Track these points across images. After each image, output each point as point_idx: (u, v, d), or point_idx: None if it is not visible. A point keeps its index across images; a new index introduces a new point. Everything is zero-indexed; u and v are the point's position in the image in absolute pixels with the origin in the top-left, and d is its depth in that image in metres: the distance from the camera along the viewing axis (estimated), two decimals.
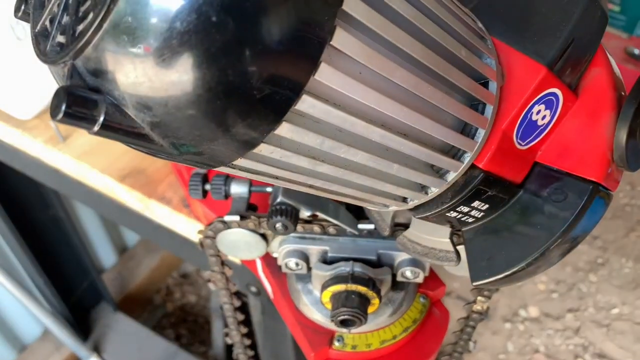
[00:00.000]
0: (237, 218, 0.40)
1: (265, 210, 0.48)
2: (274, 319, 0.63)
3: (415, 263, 0.39)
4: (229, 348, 1.44)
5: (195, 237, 0.60)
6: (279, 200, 0.37)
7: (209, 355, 1.54)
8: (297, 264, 0.40)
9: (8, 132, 0.72)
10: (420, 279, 0.39)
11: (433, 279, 0.43)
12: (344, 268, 0.37)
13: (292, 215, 0.36)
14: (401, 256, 0.39)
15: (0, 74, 0.66)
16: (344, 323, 0.36)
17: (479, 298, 0.45)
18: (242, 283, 0.57)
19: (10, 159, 0.78)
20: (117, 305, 1.43)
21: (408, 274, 0.39)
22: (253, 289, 0.60)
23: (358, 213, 0.42)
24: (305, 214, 0.38)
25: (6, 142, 0.74)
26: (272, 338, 0.65)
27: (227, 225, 0.41)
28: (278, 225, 0.36)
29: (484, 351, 1.70)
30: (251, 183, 0.45)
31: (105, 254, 1.55)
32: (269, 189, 0.45)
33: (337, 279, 0.37)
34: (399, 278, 0.40)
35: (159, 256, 1.62)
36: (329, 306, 0.38)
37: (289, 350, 0.65)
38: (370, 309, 0.37)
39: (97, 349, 1.34)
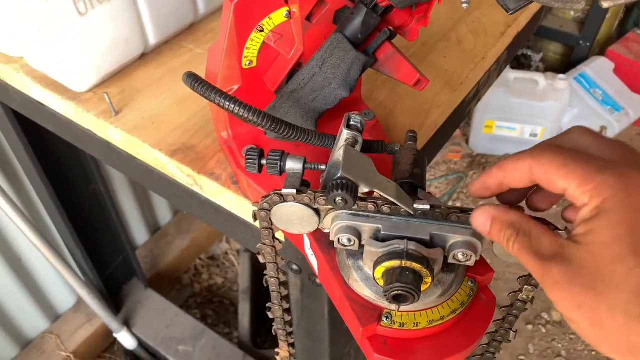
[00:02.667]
0: (293, 192, 0.41)
1: (316, 188, 0.49)
2: (311, 298, 0.64)
3: (468, 246, 0.39)
4: (254, 330, 1.47)
5: (242, 213, 0.62)
6: (339, 175, 0.38)
7: (233, 337, 1.56)
8: (349, 240, 0.41)
9: (62, 104, 0.74)
10: (471, 262, 0.40)
11: (482, 265, 0.43)
12: (399, 245, 0.38)
13: (352, 190, 0.37)
14: (454, 238, 0.39)
15: (58, 47, 0.69)
16: (396, 298, 0.37)
17: (526, 287, 0.45)
18: (284, 260, 0.58)
19: (62, 130, 0.81)
20: (148, 282, 1.47)
21: (460, 256, 0.40)
22: (294, 267, 0.61)
23: (413, 194, 0.43)
24: (363, 190, 0.39)
25: (60, 113, 0.76)
26: (308, 317, 0.66)
27: (283, 199, 0.42)
28: (338, 199, 0.37)
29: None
30: (305, 160, 0.46)
31: (138, 232, 1.59)
32: (322, 167, 0.46)
33: (391, 255, 0.37)
34: (450, 260, 0.40)
35: (190, 237, 1.65)
36: (381, 282, 0.39)
37: (324, 330, 0.66)
38: (421, 288, 0.38)
39: (127, 323, 1.38)
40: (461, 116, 0.81)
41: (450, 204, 2.04)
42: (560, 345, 1.68)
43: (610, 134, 2.17)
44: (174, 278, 1.68)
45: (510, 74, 2.02)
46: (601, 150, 0.34)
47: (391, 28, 0.53)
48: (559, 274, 0.31)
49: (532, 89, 2.02)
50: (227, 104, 0.40)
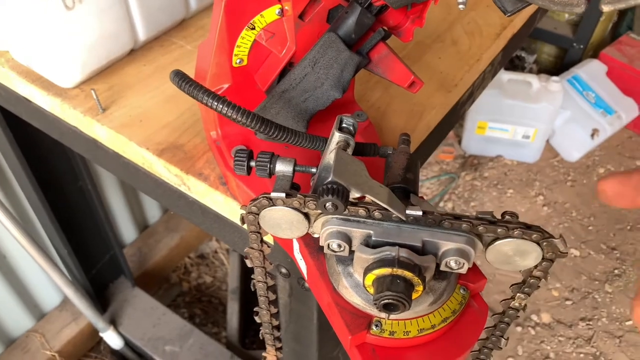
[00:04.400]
0: (282, 195, 0.40)
1: (307, 190, 0.48)
2: (300, 302, 0.63)
3: (460, 253, 0.38)
4: (242, 331, 1.46)
5: (230, 215, 0.60)
6: (330, 179, 0.37)
7: (222, 336, 1.55)
8: (339, 246, 0.40)
9: (48, 100, 0.72)
10: (464, 270, 0.39)
11: (474, 272, 0.42)
12: (390, 252, 0.37)
13: (342, 195, 0.36)
14: (447, 245, 0.38)
15: (45, 41, 0.67)
16: (387, 307, 0.36)
17: (519, 294, 0.44)
18: (272, 264, 0.57)
19: (48, 127, 0.79)
20: (135, 281, 1.45)
21: (452, 264, 0.39)
22: (283, 270, 0.60)
23: (405, 199, 0.42)
24: (354, 195, 0.37)
25: (46, 109, 0.75)
26: (297, 321, 0.65)
27: (271, 202, 0.41)
28: (328, 204, 0.36)
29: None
30: (295, 162, 0.45)
31: (126, 230, 1.57)
32: (313, 170, 0.45)
33: (382, 263, 0.36)
34: (443, 268, 0.39)
35: (179, 236, 1.64)
36: (371, 290, 0.38)
37: (312, 334, 0.65)
38: (412, 296, 0.37)
39: (113, 322, 1.36)
40: (455, 118, 0.80)
41: (441, 204, 2.04)
42: (549, 348, 1.69)
43: (602, 137, 2.18)
44: (162, 277, 1.67)
45: (503, 75, 2.02)
46: None
47: (385, 28, 0.52)
48: None
49: (525, 91, 2.02)
50: (215, 104, 0.39)
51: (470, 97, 0.82)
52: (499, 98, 2.01)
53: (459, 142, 2.26)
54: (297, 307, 0.63)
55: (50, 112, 0.74)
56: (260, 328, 0.56)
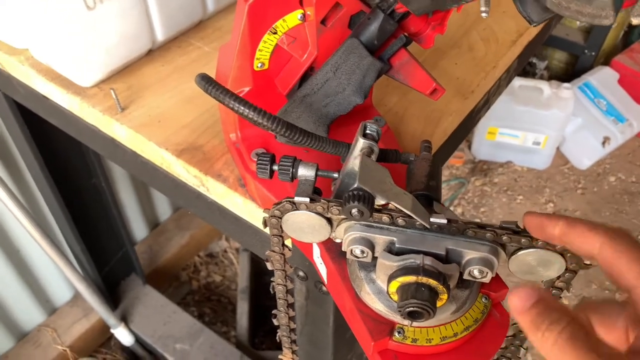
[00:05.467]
0: (306, 200, 0.40)
1: (327, 195, 0.48)
2: (316, 305, 0.63)
3: (484, 262, 0.38)
4: (252, 331, 1.46)
5: (248, 217, 0.61)
6: (356, 185, 0.37)
7: (230, 336, 1.56)
8: (362, 252, 0.40)
9: (66, 99, 0.73)
10: (487, 279, 0.39)
11: (496, 281, 0.42)
12: (414, 260, 0.37)
13: (368, 202, 0.36)
14: (470, 254, 0.39)
15: (65, 40, 0.68)
16: (411, 315, 0.36)
17: None
18: (292, 267, 0.57)
19: (66, 124, 0.80)
20: (146, 278, 1.46)
21: (476, 272, 0.39)
22: (301, 273, 0.60)
23: (429, 207, 0.42)
24: (379, 202, 0.38)
25: (64, 107, 0.75)
26: (313, 324, 0.65)
27: (295, 206, 0.41)
28: (354, 210, 0.36)
29: None
30: (318, 167, 0.45)
31: (137, 227, 1.58)
32: (335, 175, 0.45)
33: (406, 270, 0.36)
34: (466, 276, 0.39)
35: (189, 234, 1.64)
36: (395, 297, 0.38)
37: (328, 337, 0.65)
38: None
39: (124, 319, 1.37)
40: (471, 124, 0.80)
41: (451, 209, 2.03)
42: None
43: (613, 144, 2.17)
44: (172, 275, 1.67)
45: (514, 81, 2.02)
46: None
47: (407, 34, 0.52)
48: None
49: (536, 97, 2.01)
50: (242, 108, 0.39)
51: (486, 103, 0.82)
52: (510, 104, 2.00)
53: (469, 147, 2.25)
54: (314, 310, 0.63)
55: (68, 110, 0.75)
56: (277, 330, 0.56)
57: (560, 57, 2.45)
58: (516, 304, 0.30)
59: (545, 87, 2.00)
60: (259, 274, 1.58)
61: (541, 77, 2.45)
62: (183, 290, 1.66)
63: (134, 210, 1.53)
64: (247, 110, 0.39)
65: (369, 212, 0.36)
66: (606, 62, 2.33)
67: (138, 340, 1.39)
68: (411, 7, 0.46)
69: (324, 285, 0.59)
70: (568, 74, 2.43)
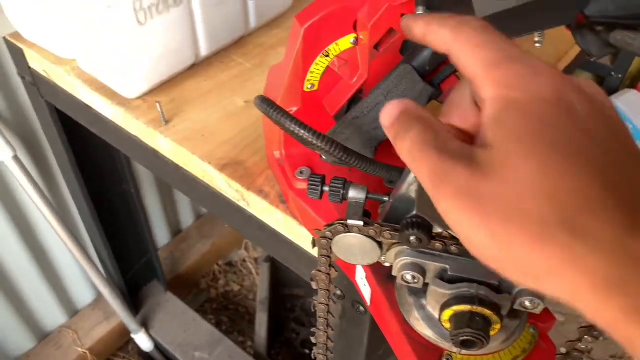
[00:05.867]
0: (360, 224, 0.41)
1: (374, 218, 0.48)
2: (351, 325, 0.64)
3: (535, 294, 0.39)
4: (271, 342, 1.46)
5: (288, 233, 0.61)
6: (414, 213, 0.38)
7: (247, 346, 1.56)
8: (413, 278, 0.40)
9: (111, 109, 0.75)
10: (538, 310, 0.39)
11: (544, 311, 0.42)
12: (469, 289, 0.37)
13: (427, 229, 0.37)
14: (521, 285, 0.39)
15: (114, 53, 0.69)
16: (464, 344, 0.36)
17: (586, 337, 0.44)
18: (337, 287, 0.58)
19: (107, 134, 0.81)
20: (167, 284, 1.47)
21: (527, 303, 0.39)
22: (338, 292, 0.61)
23: None
24: (436, 230, 0.38)
25: (107, 117, 0.77)
26: (346, 343, 0.66)
27: (347, 229, 0.42)
28: (412, 238, 0.37)
29: None
30: (368, 190, 0.45)
31: (160, 233, 1.59)
32: (385, 198, 0.46)
33: (461, 299, 0.37)
34: (516, 306, 0.39)
35: (211, 242, 1.65)
36: (447, 324, 0.38)
37: (360, 356, 0.65)
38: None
39: (145, 325, 1.38)
40: None
41: None
42: None
43: None
44: (193, 282, 1.68)
45: None
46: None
47: None
48: (464, 177, 0.24)
49: None
50: (304, 133, 0.40)
51: None
52: None
53: None
54: (348, 329, 0.63)
55: (111, 120, 0.77)
56: (314, 348, 0.57)
57: (586, 78, 2.43)
58: (384, 120, 0.29)
59: None
60: (277, 285, 1.58)
61: None
62: (201, 298, 1.67)
63: (158, 216, 1.54)
64: (308, 134, 0.40)
65: (428, 240, 0.37)
66: (632, 84, 2.31)
67: (157, 346, 1.39)
68: None
69: (362, 306, 0.59)
70: None
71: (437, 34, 0.29)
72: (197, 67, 0.80)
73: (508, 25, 0.40)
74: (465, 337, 0.36)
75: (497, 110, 0.25)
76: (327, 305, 0.50)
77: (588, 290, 0.22)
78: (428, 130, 0.27)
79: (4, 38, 0.84)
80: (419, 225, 0.36)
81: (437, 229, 0.38)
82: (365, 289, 0.49)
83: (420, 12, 0.44)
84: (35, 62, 0.82)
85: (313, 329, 0.54)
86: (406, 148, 0.27)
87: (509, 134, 0.24)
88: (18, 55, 0.84)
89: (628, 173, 0.23)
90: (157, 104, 0.69)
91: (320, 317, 0.52)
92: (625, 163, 0.23)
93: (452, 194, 0.24)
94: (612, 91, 2.30)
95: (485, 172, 0.24)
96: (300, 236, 0.60)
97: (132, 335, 1.36)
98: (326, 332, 0.53)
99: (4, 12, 0.80)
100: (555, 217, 0.22)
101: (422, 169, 0.26)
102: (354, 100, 0.54)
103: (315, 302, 0.51)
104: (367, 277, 0.47)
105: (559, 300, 0.23)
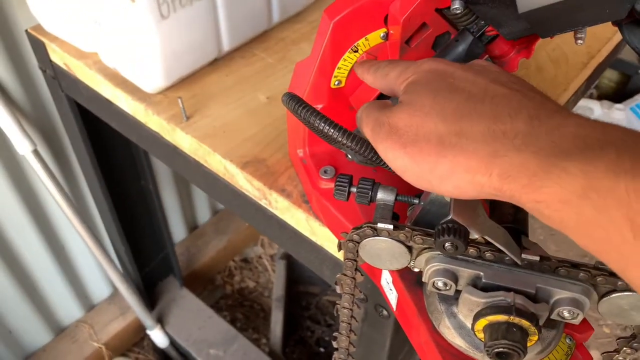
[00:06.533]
0: (390, 227, 0.39)
1: (402, 220, 0.47)
2: (373, 329, 0.62)
3: (575, 303, 0.37)
4: (285, 341, 1.45)
5: (309, 233, 0.60)
6: (449, 218, 0.36)
7: (261, 343, 1.55)
8: (445, 284, 0.38)
9: (131, 104, 0.74)
10: (577, 321, 0.37)
11: (582, 322, 0.40)
12: (505, 298, 0.35)
13: (462, 235, 0.35)
14: (561, 294, 0.37)
15: (137, 47, 0.68)
16: (499, 355, 0.34)
17: (625, 349, 0.42)
18: (361, 292, 0.56)
19: (127, 129, 0.81)
20: (183, 280, 1.47)
21: (565, 313, 0.37)
22: (360, 295, 0.59)
23: (517, 241, 0.40)
24: (472, 235, 0.36)
25: (128, 112, 0.76)
26: (367, 346, 0.64)
27: (375, 232, 0.40)
28: (448, 244, 0.35)
29: None
30: (397, 192, 0.44)
31: (177, 229, 1.59)
32: (415, 201, 0.44)
33: (497, 309, 0.35)
34: (554, 316, 0.37)
35: (227, 238, 1.65)
36: (481, 334, 0.36)
37: None
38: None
39: (160, 321, 1.38)
40: None
41: None
42: None
43: None
44: (208, 278, 1.68)
45: None
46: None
47: (490, 57, 0.50)
48: (387, 121, 0.35)
49: (586, 116, 1.95)
50: (334, 132, 0.38)
51: None
52: None
53: None
54: (370, 332, 0.62)
55: (132, 116, 0.76)
56: (334, 353, 0.55)
57: (611, 76, 2.37)
58: (358, 71, 0.47)
59: (596, 107, 1.94)
60: (292, 283, 1.57)
61: (590, 96, 2.39)
62: (217, 294, 1.67)
63: (175, 212, 1.54)
64: (338, 133, 0.38)
65: (464, 246, 0.35)
66: None
67: (172, 342, 1.39)
68: (502, 31, 0.45)
69: (386, 310, 0.58)
70: (617, 94, 2.36)
71: (366, 79, 0.45)
72: (218, 61, 0.78)
73: (552, 20, 0.38)
74: (501, 349, 0.34)
75: (404, 89, 0.37)
76: (351, 309, 0.49)
77: (481, 172, 0.29)
78: (377, 103, 0.39)
79: (26, 31, 0.84)
80: (455, 231, 0.35)
81: (474, 235, 0.36)
82: (391, 294, 0.48)
83: (456, 6, 0.42)
84: (57, 55, 0.82)
85: (335, 334, 0.52)
86: (362, 118, 0.38)
87: (411, 92, 0.36)
88: (39, 48, 0.84)
89: (490, 95, 0.32)
90: (179, 100, 0.68)
91: (342, 322, 0.50)
92: (487, 90, 0.33)
93: (384, 136, 0.34)
94: (637, 89, 2.24)
95: (399, 114, 0.34)
96: (323, 237, 0.58)
97: (148, 331, 1.36)
98: (348, 337, 0.52)
99: (27, 4, 0.80)
100: (447, 128, 0.31)
101: (367, 125, 0.37)
102: (381, 98, 0.52)
103: (339, 306, 0.49)
104: (393, 282, 0.46)
105: (466, 197, 0.31)
